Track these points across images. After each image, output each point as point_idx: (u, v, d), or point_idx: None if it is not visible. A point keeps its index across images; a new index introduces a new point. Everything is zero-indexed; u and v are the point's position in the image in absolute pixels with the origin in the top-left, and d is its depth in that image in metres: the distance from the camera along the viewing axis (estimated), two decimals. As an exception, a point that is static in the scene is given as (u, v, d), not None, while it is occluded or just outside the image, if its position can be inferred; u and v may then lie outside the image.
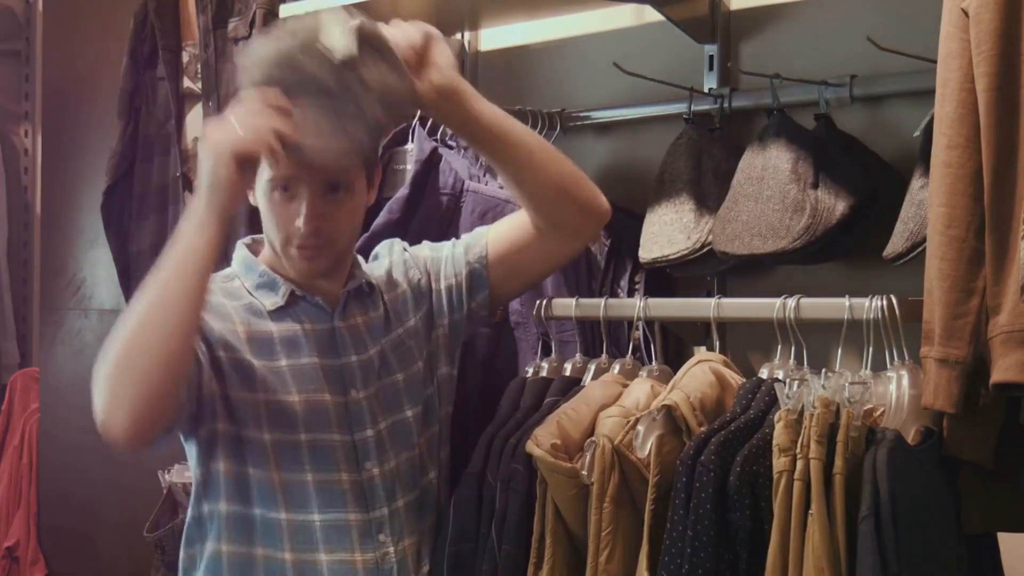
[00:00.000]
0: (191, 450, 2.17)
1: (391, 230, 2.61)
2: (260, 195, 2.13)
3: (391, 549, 2.16)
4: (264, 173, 2.09)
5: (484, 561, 2.18)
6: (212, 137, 1.94)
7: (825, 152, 2.37)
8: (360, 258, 2.29)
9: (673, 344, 2.67)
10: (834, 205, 2.32)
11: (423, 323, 2.29)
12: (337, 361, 2.18)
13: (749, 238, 2.36)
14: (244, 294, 2.18)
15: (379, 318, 2.24)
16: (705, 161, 2.53)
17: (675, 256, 2.50)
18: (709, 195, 2.50)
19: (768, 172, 2.38)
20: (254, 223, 3.08)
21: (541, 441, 2.12)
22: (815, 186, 2.34)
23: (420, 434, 2.24)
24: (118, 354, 1.88)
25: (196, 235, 1.93)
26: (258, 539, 2.13)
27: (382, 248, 2.36)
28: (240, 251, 2.25)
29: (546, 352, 2.49)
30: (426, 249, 2.36)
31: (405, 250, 2.34)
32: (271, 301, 2.17)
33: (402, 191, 2.65)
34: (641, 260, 2.55)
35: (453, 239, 2.36)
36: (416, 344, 2.27)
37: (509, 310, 2.60)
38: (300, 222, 2.08)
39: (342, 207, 2.12)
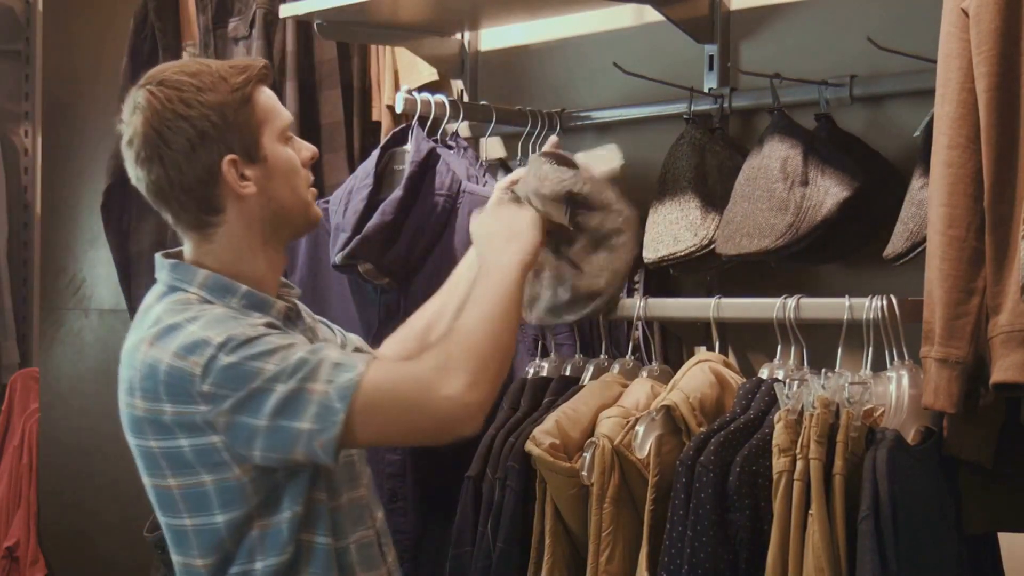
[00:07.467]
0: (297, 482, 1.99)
1: (385, 232, 2.59)
2: (276, 152, 2.00)
3: (390, 559, 2.12)
4: (275, 123, 2.01)
5: (479, 558, 2.18)
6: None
7: (818, 150, 2.36)
8: None
9: (673, 344, 2.67)
10: (821, 203, 2.31)
11: None
12: None
13: (739, 238, 2.36)
14: (251, 314, 1.98)
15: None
16: (708, 159, 2.52)
17: (683, 253, 2.48)
18: (714, 192, 2.49)
19: (760, 172, 2.37)
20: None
21: (540, 440, 2.11)
22: (804, 184, 2.34)
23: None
24: (488, 346, 1.96)
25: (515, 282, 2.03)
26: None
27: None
28: (195, 272, 2.02)
29: (542, 353, 2.48)
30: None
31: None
32: (267, 322, 1.96)
33: (396, 192, 2.60)
34: (646, 260, 2.53)
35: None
36: None
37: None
38: (307, 153, 2.05)
39: None
